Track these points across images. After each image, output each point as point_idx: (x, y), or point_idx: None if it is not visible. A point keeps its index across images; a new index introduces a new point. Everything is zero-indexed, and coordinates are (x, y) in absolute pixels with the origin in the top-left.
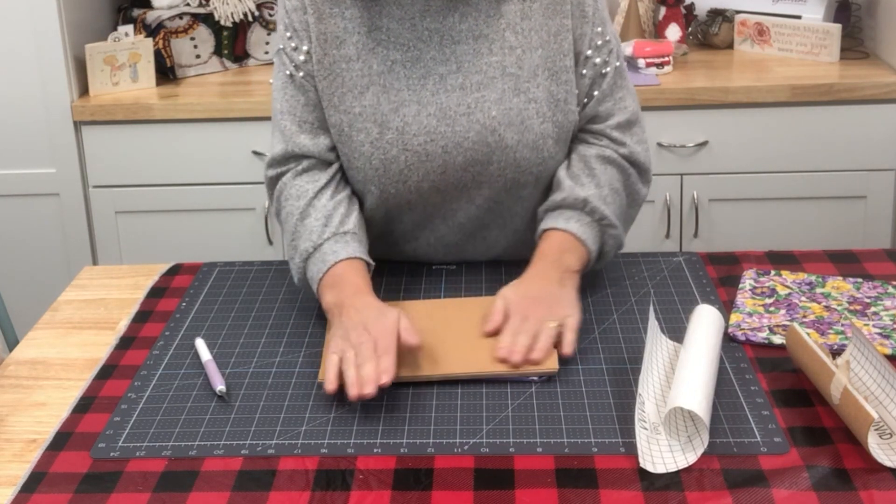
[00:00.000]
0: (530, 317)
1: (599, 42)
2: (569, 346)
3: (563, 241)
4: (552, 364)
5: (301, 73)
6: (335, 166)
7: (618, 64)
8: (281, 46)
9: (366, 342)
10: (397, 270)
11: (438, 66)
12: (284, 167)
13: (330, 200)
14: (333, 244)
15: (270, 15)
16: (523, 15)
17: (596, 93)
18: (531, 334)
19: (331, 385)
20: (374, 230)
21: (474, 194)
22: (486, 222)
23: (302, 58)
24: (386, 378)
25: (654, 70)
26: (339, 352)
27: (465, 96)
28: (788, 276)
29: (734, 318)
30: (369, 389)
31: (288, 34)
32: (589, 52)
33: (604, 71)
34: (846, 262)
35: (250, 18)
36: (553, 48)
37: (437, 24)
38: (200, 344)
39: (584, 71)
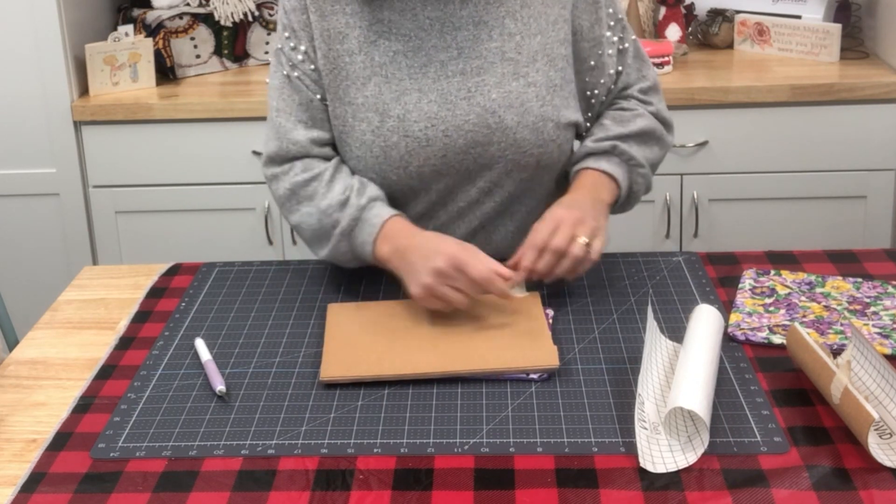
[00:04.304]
0: (562, 226)
1: (613, 22)
2: (595, 253)
3: (595, 177)
4: (553, 360)
5: (296, 73)
6: (335, 160)
7: (633, 37)
8: (279, 46)
9: (442, 256)
10: None
11: (439, 53)
12: (279, 167)
13: (343, 182)
14: (369, 212)
15: (270, 15)
16: (523, 3)
17: (621, 68)
18: (559, 253)
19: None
20: None
21: (475, 177)
22: (489, 212)
23: (300, 57)
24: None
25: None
26: (425, 285)
27: (465, 81)
28: (788, 276)
29: (734, 317)
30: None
31: (286, 34)
32: (608, 34)
33: (622, 47)
34: (846, 261)
35: (250, 18)
36: (551, 36)
37: (438, 13)
38: (200, 344)
39: (609, 51)
